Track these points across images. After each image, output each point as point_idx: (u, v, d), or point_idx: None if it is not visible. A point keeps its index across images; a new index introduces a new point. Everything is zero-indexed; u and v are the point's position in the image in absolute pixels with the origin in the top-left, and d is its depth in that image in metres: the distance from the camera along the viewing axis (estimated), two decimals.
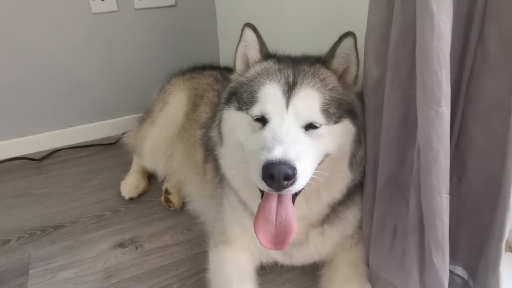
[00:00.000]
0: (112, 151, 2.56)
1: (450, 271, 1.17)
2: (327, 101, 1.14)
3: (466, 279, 1.19)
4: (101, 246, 1.73)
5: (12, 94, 2.43)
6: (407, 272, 1.16)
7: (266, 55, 1.30)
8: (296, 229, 1.11)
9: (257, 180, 1.03)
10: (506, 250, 1.39)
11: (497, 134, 0.97)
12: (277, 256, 1.43)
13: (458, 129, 1.07)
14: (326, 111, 1.12)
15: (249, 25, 1.27)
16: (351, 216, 1.35)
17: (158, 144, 2.09)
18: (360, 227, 1.39)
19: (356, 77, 1.27)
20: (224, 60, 2.78)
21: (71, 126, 2.68)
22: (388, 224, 1.23)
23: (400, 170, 1.15)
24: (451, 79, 0.93)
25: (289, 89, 1.12)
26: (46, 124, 2.61)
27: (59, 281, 1.55)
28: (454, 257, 1.17)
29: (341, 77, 1.25)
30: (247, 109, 1.17)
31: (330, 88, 1.18)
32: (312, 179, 1.11)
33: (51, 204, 2.04)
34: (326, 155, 1.16)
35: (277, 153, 0.99)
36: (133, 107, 2.62)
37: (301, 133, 1.09)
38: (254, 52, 1.30)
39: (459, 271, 1.21)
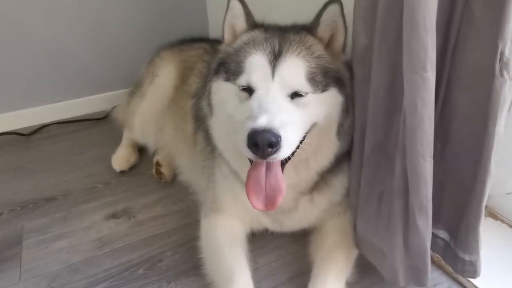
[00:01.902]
0: (102, 125, 2.56)
1: (433, 234, 1.22)
2: (313, 69, 1.14)
3: (448, 241, 1.24)
4: (94, 217, 1.75)
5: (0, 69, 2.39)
6: (392, 236, 1.20)
7: (253, 24, 1.30)
8: (285, 189, 1.14)
9: (243, 148, 1.06)
10: (486, 216, 1.46)
11: (480, 100, 0.99)
12: (268, 223, 1.47)
13: (443, 95, 1.09)
14: (312, 79, 1.13)
15: None
16: (338, 184, 1.38)
17: (148, 117, 2.09)
18: (348, 194, 1.42)
19: (344, 45, 1.26)
20: (213, 32, 2.74)
21: (59, 101, 2.65)
22: (374, 190, 1.26)
23: (387, 137, 1.17)
24: (437, 45, 0.94)
25: (275, 58, 1.13)
26: (35, 99, 2.58)
27: (53, 251, 1.58)
28: (436, 220, 1.22)
29: (328, 45, 1.24)
30: (234, 79, 1.18)
31: (316, 56, 1.18)
32: (300, 147, 1.14)
33: (42, 178, 2.05)
34: (314, 124, 1.18)
35: (261, 122, 1.01)
36: (122, 82, 2.59)
37: (286, 101, 1.10)
38: (240, 22, 1.31)
39: (442, 234, 1.26)
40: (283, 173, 1.17)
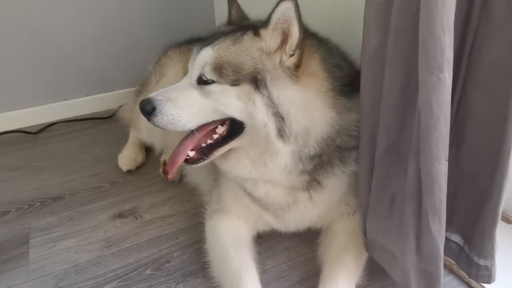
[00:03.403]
0: (108, 124, 2.55)
1: (446, 238, 1.19)
2: (221, 61, 1.18)
3: (462, 245, 1.22)
4: (101, 217, 1.75)
5: (7, 67, 2.39)
6: (403, 239, 1.18)
7: (229, 21, 1.44)
8: (178, 164, 1.28)
9: None
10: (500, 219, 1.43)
11: (498, 101, 0.97)
12: (271, 219, 1.45)
13: (458, 96, 1.07)
14: (218, 70, 1.18)
15: None
16: (332, 185, 1.35)
17: None
18: (354, 195, 1.41)
19: (299, 45, 1.17)
20: None
21: (66, 99, 2.65)
22: (386, 192, 1.24)
23: (400, 138, 1.15)
24: (454, 45, 0.92)
25: (201, 49, 1.24)
26: (42, 98, 2.58)
27: (60, 250, 1.57)
28: (450, 224, 1.19)
29: (281, 44, 1.18)
30: None
31: (235, 51, 1.19)
32: (233, 142, 1.26)
33: (49, 176, 2.04)
34: (247, 126, 1.21)
35: (151, 94, 1.26)
36: (129, 81, 2.58)
37: (190, 86, 1.24)
38: (226, 19, 1.46)
39: (455, 237, 1.24)
40: (207, 157, 1.28)
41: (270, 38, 1.18)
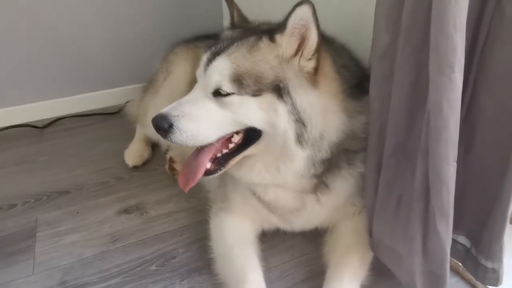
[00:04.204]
0: (115, 120, 2.56)
1: (453, 240, 1.19)
2: (240, 72, 1.12)
3: (469, 247, 1.21)
4: (106, 212, 1.75)
5: (15, 62, 2.41)
6: (410, 239, 1.17)
7: (233, 24, 1.37)
8: (198, 178, 1.23)
9: None
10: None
11: (509, 102, 0.96)
12: (278, 221, 1.45)
13: (469, 97, 1.06)
14: (237, 81, 1.12)
15: None
16: (339, 187, 1.34)
17: None
18: (360, 196, 1.40)
19: (318, 50, 1.15)
20: None
21: (73, 94, 2.66)
22: (393, 192, 1.23)
23: (408, 137, 1.14)
24: (466, 44, 0.91)
25: (213, 57, 1.18)
26: (49, 92, 2.59)
27: (66, 244, 1.58)
28: (457, 225, 1.19)
29: (298, 49, 1.16)
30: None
31: (254, 61, 1.14)
32: (251, 149, 1.22)
33: (55, 171, 2.05)
34: (264, 133, 1.17)
35: (164, 109, 1.18)
36: (136, 77, 2.59)
37: (206, 97, 1.17)
38: (227, 23, 1.41)
39: (462, 239, 1.23)
40: (224, 167, 1.23)
41: (286, 43, 1.15)
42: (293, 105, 1.14)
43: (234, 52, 1.16)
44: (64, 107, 2.61)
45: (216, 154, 1.24)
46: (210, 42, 2.09)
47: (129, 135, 2.23)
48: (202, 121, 1.16)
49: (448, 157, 0.99)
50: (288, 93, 1.14)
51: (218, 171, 1.24)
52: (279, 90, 1.14)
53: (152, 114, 2.04)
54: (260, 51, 1.16)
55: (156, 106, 2.08)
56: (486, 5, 0.96)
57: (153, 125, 1.17)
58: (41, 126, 2.48)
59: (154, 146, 2.19)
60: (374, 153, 1.27)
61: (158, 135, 2.06)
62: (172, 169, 1.95)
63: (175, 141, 1.16)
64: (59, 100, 2.62)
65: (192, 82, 1.99)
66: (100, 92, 2.71)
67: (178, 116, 1.15)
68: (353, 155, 1.30)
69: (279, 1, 1.80)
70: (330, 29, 1.36)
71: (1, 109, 2.49)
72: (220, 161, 1.24)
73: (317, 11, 1.10)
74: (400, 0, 1.03)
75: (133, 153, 2.10)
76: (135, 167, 2.05)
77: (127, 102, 2.54)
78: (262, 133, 1.19)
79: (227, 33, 1.30)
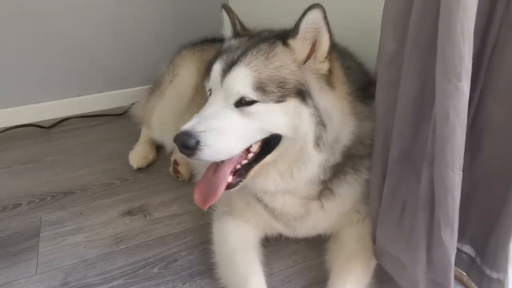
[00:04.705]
0: (121, 121, 2.57)
1: (457, 249, 1.17)
2: (263, 79, 1.11)
3: (474, 256, 1.20)
4: (110, 213, 1.76)
5: (22, 62, 2.42)
6: (414, 248, 1.16)
7: (236, 33, 1.33)
8: (220, 194, 1.19)
9: None
10: None
11: None
12: (281, 228, 1.45)
13: (475, 105, 1.05)
14: (261, 89, 1.11)
15: (223, 6, 1.35)
16: (344, 194, 1.34)
17: (167, 116, 2.08)
18: (364, 203, 1.39)
19: (330, 52, 1.17)
20: None
21: (79, 95, 2.68)
22: (397, 199, 1.22)
23: (414, 144, 1.13)
24: (473, 52, 0.91)
25: (228, 67, 1.15)
26: (56, 93, 2.60)
27: (69, 245, 1.59)
28: (462, 235, 1.17)
29: (311, 53, 1.17)
30: (207, 83, 1.25)
31: (274, 67, 1.13)
32: (278, 157, 1.19)
33: (60, 171, 2.06)
34: (283, 137, 1.16)
35: (186, 125, 1.10)
36: (142, 78, 2.59)
37: (228, 108, 1.13)
38: (227, 31, 1.36)
39: (467, 249, 1.22)
40: (244, 178, 1.20)
41: (300, 47, 1.16)
42: (315, 107, 1.15)
43: (252, 60, 1.14)
44: (70, 107, 2.63)
45: (236, 166, 1.20)
46: (217, 45, 2.14)
47: (134, 137, 2.23)
48: (228, 134, 1.11)
49: (454, 166, 0.99)
50: (310, 95, 1.14)
51: (239, 183, 1.21)
52: (301, 93, 1.14)
53: (157, 116, 2.10)
54: (278, 57, 1.15)
55: (161, 109, 2.10)
56: (495, 12, 0.95)
57: (178, 144, 1.09)
58: (47, 126, 2.50)
59: (158, 148, 2.19)
60: (379, 159, 1.26)
61: (164, 137, 2.12)
62: (176, 171, 1.95)
63: (203, 158, 1.10)
64: (65, 101, 2.63)
65: (198, 85, 2.01)
66: (106, 93, 2.72)
67: (205, 131, 1.09)
68: (359, 160, 1.30)
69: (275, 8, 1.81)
70: (336, 35, 1.36)
71: (8, 108, 2.51)
72: (241, 173, 1.21)
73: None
74: (407, 7, 1.03)
75: (138, 155, 2.10)
76: (140, 169, 2.06)
77: (132, 103, 2.55)
78: (281, 138, 1.17)
79: (233, 42, 1.27)
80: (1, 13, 2.25)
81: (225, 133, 1.11)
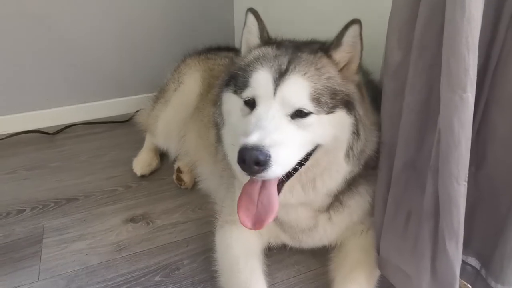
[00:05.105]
0: (125, 128, 2.58)
1: (462, 261, 1.16)
2: (318, 90, 1.11)
3: (478, 268, 1.19)
4: (113, 220, 1.76)
5: (28, 68, 2.45)
6: (418, 259, 1.15)
7: (266, 40, 1.29)
8: (276, 210, 1.11)
9: (233, 163, 1.07)
10: None
11: None
12: (286, 239, 1.45)
13: (480, 116, 1.05)
14: (316, 100, 1.10)
15: (251, 10, 1.28)
16: (354, 205, 1.35)
17: (171, 123, 2.10)
18: (369, 214, 1.39)
19: (359, 66, 1.22)
20: (239, 42, 2.75)
21: (85, 102, 2.69)
22: (401, 209, 1.22)
23: (418, 155, 1.13)
24: (478, 63, 0.91)
25: (280, 76, 1.11)
26: (60, 99, 2.63)
27: (72, 251, 1.58)
28: (466, 246, 1.16)
29: (345, 65, 1.20)
30: (240, 93, 1.18)
31: (325, 78, 1.15)
32: (304, 167, 1.14)
33: (64, 177, 2.07)
34: (320, 146, 1.15)
35: (252, 139, 1.00)
36: (146, 86, 2.62)
37: (286, 121, 1.08)
38: (254, 38, 1.31)
39: (472, 261, 1.21)
40: (281, 192, 1.15)
41: (340, 59, 1.19)
42: (356, 118, 1.16)
43: (306, 70, 1.12)
44: (75, 114, 2.65)
45: (278, 180, 1.13)
46: (222, 54, 2.16)
47: (139, 144, 2.24)
48: (290, 148, 1.07)
49: (458, 177, 0.98)
50: (353, 106, 1.16)
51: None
52: (347, 104, 1.15)
53: (162, 123, 2.11)
54: (326, 68, 1.17)
55: (166, 116, 2.11)
56: (499, 24, 0.96)
57: (247, 160, 0.98)
58: (52, 132, 2.52)
59: (162, 156, 2.20)
60: (385, 170, 1.26)
61: (168, 144, 2.13)
62: (179, 179, 1.96)
63: (272, 176, 1.03)
64: (70, 107, 2.65)
65: (203, 93, 2.03)
66: (111, 101, 2.74)
67: (271, 146, 1.00)
68: (371, 170, 1.30)
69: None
70: None
71: (13, 115, 2.53)
72: (279, 186, 1.15)
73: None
74: (413, 18, 1.03)
75: (142, 162, 2.11)
76: (143, 176, 2.06)
77: (137, 111, 2.56)
78: (316, 149, 1.15)
79: (269, 50, 1.23)
80: (12, 22, 2.29)
81: (287, 147, 1.05)
